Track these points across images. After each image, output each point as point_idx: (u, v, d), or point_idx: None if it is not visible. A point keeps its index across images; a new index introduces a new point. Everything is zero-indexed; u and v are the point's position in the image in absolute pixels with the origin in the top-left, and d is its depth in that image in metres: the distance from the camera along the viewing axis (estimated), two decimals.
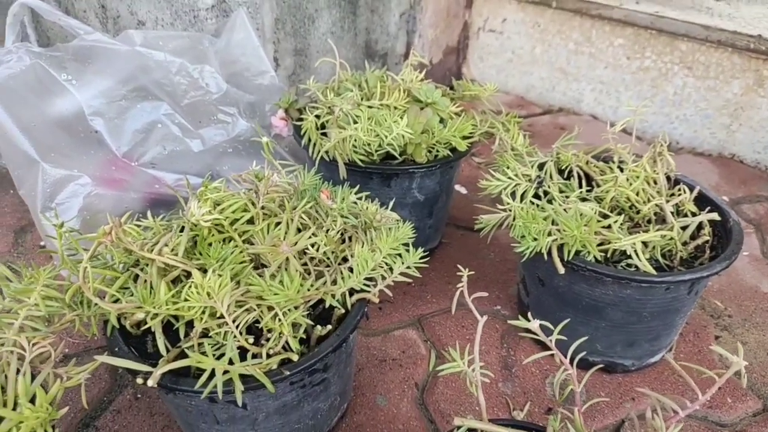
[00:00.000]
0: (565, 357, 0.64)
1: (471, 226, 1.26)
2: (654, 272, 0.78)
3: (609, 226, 0.84)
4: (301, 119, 1.05)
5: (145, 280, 0.65)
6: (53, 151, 0.94)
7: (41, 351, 0.58)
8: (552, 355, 0.96)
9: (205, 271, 0.66)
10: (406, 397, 0.87)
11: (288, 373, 0.61)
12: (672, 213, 0.89)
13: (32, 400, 0.54)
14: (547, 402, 0.86)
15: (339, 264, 0.74)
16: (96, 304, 0.63)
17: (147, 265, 0.70)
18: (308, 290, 0.66)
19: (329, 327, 0.68)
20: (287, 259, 0.68)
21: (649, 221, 0.91)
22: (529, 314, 0.64)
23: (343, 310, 0.70)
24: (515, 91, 1.82)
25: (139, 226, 0.69)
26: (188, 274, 0.68)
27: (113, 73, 1.02)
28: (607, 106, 1.66)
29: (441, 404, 0.85)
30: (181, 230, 0.73)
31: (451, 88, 1.14)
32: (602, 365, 0.90)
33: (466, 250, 1.18)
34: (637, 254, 0.80)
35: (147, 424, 0.81)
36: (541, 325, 0.61)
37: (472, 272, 0.67)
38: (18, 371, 0.53)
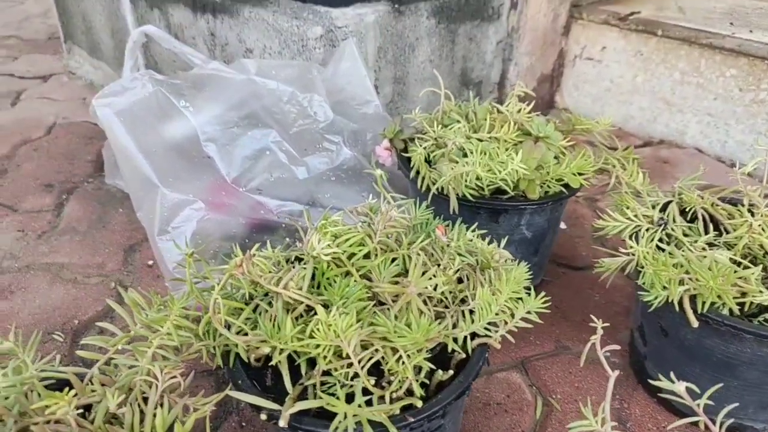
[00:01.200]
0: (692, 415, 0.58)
1: (572, 263, 1.21)
2: None
3: (745, 277, 0.78)
4: (405, 150, 1.04)
5: (270, 314, 0.65)
6: (171, 176, 0.97)
7: (172, 381, 0.59)
8: (671, 410, 0.90)
9: (326, 307, 0.65)
10: None
11: (413, 419, 0.59)
12: None
13: None
14: None
15: (456, 305, 0.72)
16: (221, 335, 0.64)
17: (266, 295, 0.70)
18: (433, 334, 0.63)
19: (451, 372, 0.65)
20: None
21: None
22: (671, 374, 0.59)
23: (463, 355, 0.68)
24: (612, 122, 1.75)
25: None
26: (309, 309, 0.67)
27: (226, 100, 1.06)
28: (714, 139, 1.57)
29: None
30: (299, 261, 0.73)
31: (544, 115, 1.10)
32: (729, 427, 0.82)
33: (569, 289, 1.13)
34: None
35: None
36: (663, 378, 0.55)
37: (607, 324, 0.63)
38: (161, 404, 0.54)
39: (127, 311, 0.65)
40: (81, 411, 0.55)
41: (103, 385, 0.60)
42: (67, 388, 0.53)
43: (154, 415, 0.55)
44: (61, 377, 0.60)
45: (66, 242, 1.24)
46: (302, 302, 0.65)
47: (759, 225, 0.85)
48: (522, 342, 1.01)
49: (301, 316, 0.67)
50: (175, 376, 0.59)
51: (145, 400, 0.59)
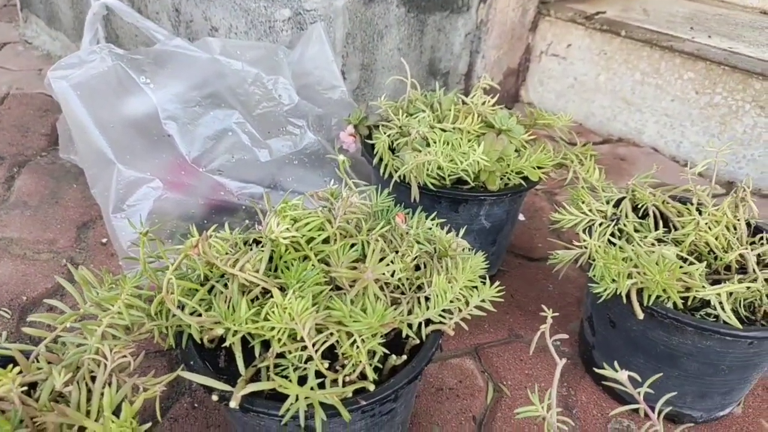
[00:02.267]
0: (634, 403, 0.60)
1: (528, 254, 1.23)
2: (740, 325, 0.74)
3: (689, 273, 0.81)
4: (369, 137, 1.04)
5: (226, 296, 0.64)
6: (128, 153, 0.95)
7: (121, 361, 0.58)
8: (615, 398, 0.93)
9: (282, 290, 0.65)
10: (463, 429, 0.84)
11: (364, 402, 0.59)
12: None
13: (114, 412, 0.53)
14: None
15: (413, 292, 0.73)
16: (174, 315, 0.63)
17: (222, 276, 0.69)
18: (388, 319, 0.64)
19: (404, 357, 0.66)
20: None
21: (727, 268, 0.87)
22: (615, 364, 0.61)
23: (417, 341, 0.69)
24: (573, 118, 1.79)
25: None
26: (265, 292, 0.67)
27: (189, 78, 1.03)
28: (670, 139, 1.62)
29: None
30: (257, 244, 0.73)
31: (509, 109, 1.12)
32: (669, 414, 0.86)
33: (524, 279, 1.16)
34: (722, 305, 0.76)
35: None
36: (607, 366, 0.58)
37: (557, 314, 0.65)
38: (109, 384, 0.53)
39: (77, 289, 0.64)
40: (26, 389, 0.54)
41: (49, 362, 0.58)
42: (11, 365, 0.52)
43: (102, 394, 0.54)
44: (5, 354, 0.58)
45: (16, 217, 1.20)
46: (258, 285, 0.65)
47: (705, 223, 0.88)
48: (476, 329, 1.03)
49: (257, 298, 0.67)
50: (125, 356, 0.58)
51: (93, 379, 0.58)
